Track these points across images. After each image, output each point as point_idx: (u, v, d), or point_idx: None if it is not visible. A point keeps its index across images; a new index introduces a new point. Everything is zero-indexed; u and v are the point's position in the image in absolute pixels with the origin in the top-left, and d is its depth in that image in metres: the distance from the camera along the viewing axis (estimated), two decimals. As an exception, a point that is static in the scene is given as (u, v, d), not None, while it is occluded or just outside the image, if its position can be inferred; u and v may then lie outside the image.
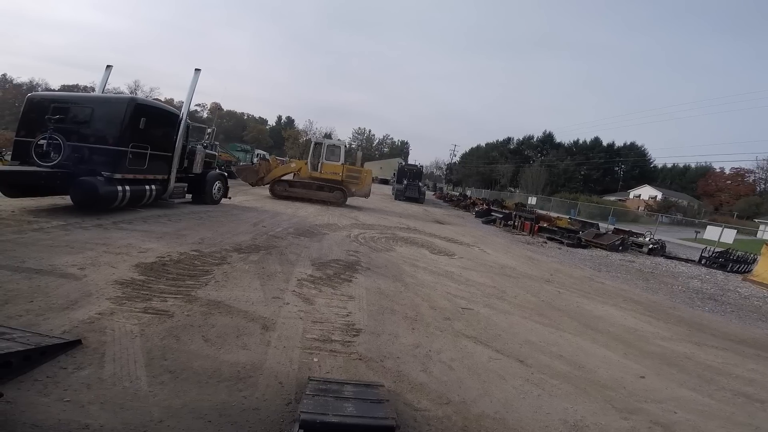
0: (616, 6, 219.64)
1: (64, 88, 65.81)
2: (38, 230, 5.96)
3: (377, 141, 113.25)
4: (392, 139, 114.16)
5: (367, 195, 18.90)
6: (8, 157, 14.96)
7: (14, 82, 74.83)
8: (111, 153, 7.83)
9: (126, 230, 6.78)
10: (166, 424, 2.25)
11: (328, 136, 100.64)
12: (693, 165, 75.24)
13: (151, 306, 3.80)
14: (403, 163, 47.43)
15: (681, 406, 3.45)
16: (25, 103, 8.35)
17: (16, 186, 7.21)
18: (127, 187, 8.11)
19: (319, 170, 17.18)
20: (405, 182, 30.44)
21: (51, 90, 50.67)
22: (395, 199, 28.33)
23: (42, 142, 7.64)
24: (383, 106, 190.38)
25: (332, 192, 17.15)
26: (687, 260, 14.88)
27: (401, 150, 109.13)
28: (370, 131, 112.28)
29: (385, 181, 61.16)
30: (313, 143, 17.96)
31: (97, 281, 4.21)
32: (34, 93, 9.48)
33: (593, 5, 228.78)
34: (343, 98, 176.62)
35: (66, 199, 7.89)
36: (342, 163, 17.51)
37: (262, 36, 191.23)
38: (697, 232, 26.72)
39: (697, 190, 70.69)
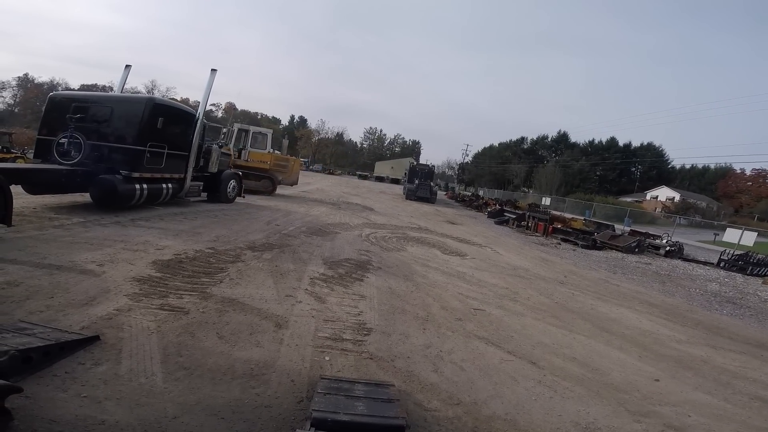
0: (633, 0, 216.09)
1: (83, 87, 67.32)
2: (59, 227, 6.11)
3: (388, 140, 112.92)
4: (403, 138, 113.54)
5: (294, 183, 18.79)
6: (30, 155, 15.37)
7: (35, 81, 76.75)
8: (129, 152, 7.98)
9: (143, 228, 6.92)
10: (180, 421, 2.29)
11: (339, 135, 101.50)
12: (712, 166, 73.49)
13: (168, 303, 3.87)
14: (415, 163, 47.23)
15: (695, 409, 3.39)
16: (47, 103, 8.56)
17: (37, 183, 7.38)
18: (145, 186, 8.27)
19: (244, 158, 16.33)
20: (416, 182, 30.28)
21: (71, 89, 51.80)
22: (406, 198, 28.26)
23: (63, 140, 7.82)
24: (394, 105, 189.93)
25: (260, 180, 16.49)
26: (705, 263, 14.58)
27: (413, 149, 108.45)
28: (381, 131, 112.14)
29: (396, 181, 61.11)
30: (236, 130, 17.06)
31: (115, 278, 4.30)
32: (55, 92, 9.71)
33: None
34: (355, 97, 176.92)
35: (85, 197, 8.07)
36: (269, 151, 17.04)
37: (273, 35, 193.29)
38: (716, 235, 26.16)
39: (717, 191, 68.95)
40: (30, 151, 18.25)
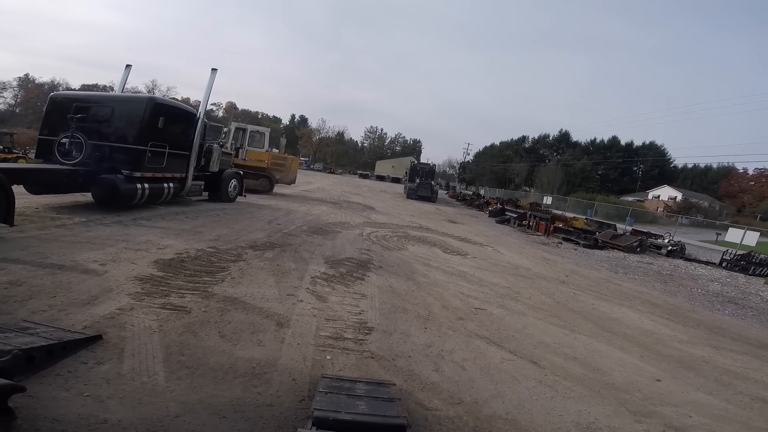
0: None
1: (84, 87, 67.38)
2: (61, 227, 6.13)
3: (389, 139, 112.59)
4: (404, 137, 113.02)
5: (292, 182, 18.65)
6: (32, 155, 15.40)
7: (36, 81, 76.79)
8: (131, 152, 7.99)
9: (145, 227, 6.93)
10: (182, 420, 2.30)
11: (340, 134, 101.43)
12: (715, 165, 73.21)
13: (170, 302, 3.88)
14: (416, 162, 47.31)
15: (697, 409, 3.39)
16: (48, 103, 8.57)
17: (39, 183, 7.40)
18: (146, 185, 8.28)
19: (242, 157, 15.92)
20: (417, 181, 30.31)
21: (72, 89, 51.83)
22: (407, 197, 28.26)
23: (64, 140, 7.83)
24: (395, 104, 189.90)
25: (257, 179, 16.24)
26: (707, 263, 14.54)
27: (413, 148, 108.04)
28: (382, 129, 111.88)
29: (397, 180, 61.10)
30: (234, 128, 16.85)
31: (117, 277, 4.31)
32: (56, 92, 9.72)
33: None
34: (355, 96, 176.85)
35: (87, 197, 8.08)
36: (267, 150, 17.00)
37: (273, 34, 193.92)
38: (718, 234, 26.13)
39: (719, 191, 68.66)
40: (31, 151, 18.28)
